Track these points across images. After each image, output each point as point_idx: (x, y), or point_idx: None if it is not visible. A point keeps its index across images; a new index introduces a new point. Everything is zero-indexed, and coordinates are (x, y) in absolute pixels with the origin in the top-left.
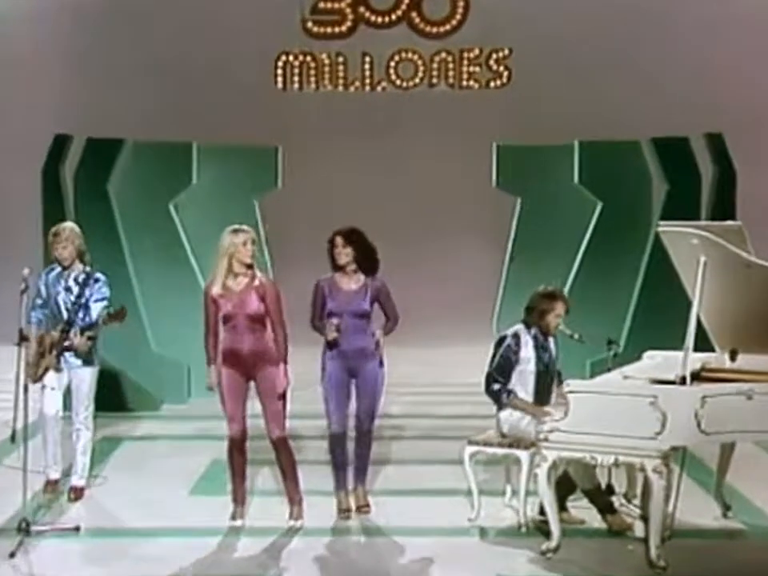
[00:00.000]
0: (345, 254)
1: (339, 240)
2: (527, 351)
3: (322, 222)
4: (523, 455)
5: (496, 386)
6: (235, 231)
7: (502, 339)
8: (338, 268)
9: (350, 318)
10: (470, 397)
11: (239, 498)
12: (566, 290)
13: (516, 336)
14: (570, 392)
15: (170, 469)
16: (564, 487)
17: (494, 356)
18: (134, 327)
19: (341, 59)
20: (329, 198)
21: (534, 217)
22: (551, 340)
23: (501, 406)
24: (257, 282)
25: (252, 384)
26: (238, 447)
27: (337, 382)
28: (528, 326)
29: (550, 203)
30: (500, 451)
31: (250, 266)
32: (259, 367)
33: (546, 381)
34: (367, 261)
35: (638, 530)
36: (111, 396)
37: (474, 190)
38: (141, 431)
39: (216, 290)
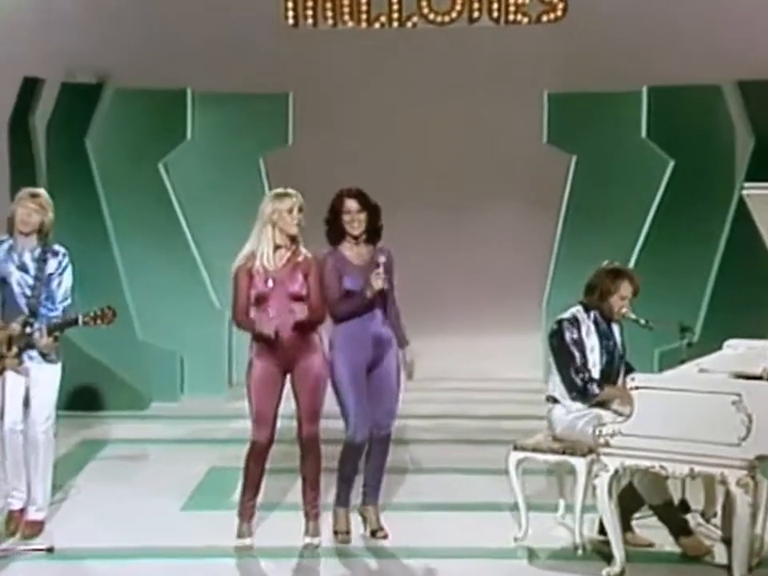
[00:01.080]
0: (359, 222)
1: (353, 205)
2: (589, 339)
3: (340, 185)
4: (579, 463)
5: (579, 381)
6: (279, 196)
7: (559, 327)
8: (342, 238)
9: (377, 305)
10: (514, 394)
11: (247, 513)
12: (630, 265)
13: (574, 321)
14: (636, 388)
15: (160, 479)
16: (629, 502)
17: (558, 350)
18: (118, 315)
19: None
20: (349, 156)
21: (593, 178)
22: (615, 326)
23: (595, 404)
24: (300, 258)
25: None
26: (260, 455)
27: (354, 376)
28: (587, 309)
29: (612, 161)
30: (552, 458)
31: (293, 238)
32: (299, 357)
33: (611, 374)
34: (377, 227)
35: (719, 555)
36: (90, 393)
37: (520, 147)
38: (125, 434)
39: (255, 264)
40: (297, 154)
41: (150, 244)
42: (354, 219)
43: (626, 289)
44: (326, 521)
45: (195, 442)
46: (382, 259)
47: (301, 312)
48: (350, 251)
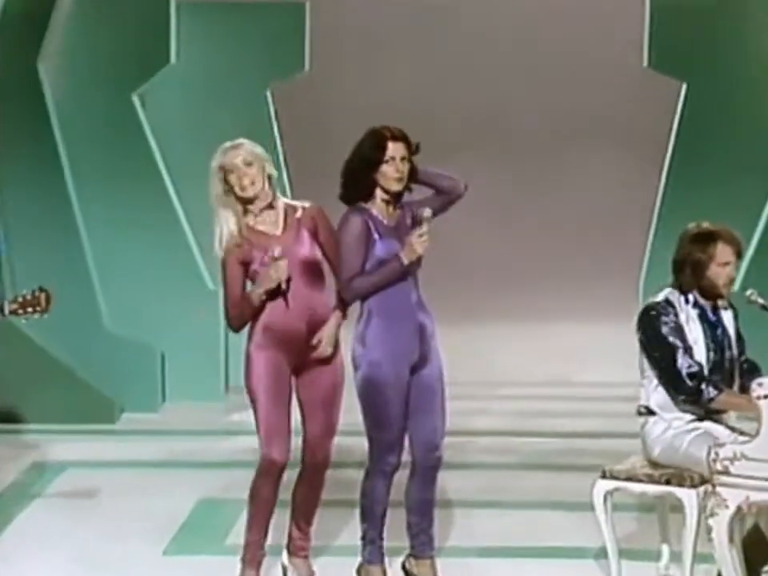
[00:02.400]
0: (402, 172)
1: (400, 150)
2: (689, 329)
3: (370, 125)
4: (688, 496)
5: (689, 381)
6: (225, 150)
7: (649, 313)
8: (371, 196)
9: (411, 280)
10: (601, 404)
11: (254, 559)
12: (759, 227)
13: (668, 305)
14: (765, 396)
15: (135, 514)
16: (756, 550)
17: (653, 344)
18: (79, 294)
19: None
20: (383, 88)
21: (708, 113)
22: (725, 311)
23: (709, 412)
24: (298, 213)
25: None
26: (273, 479)
27: (396, 381)
28: (683, 290)
29: (734, 91)
30: (651, 489)
31: (251, 201)
32: (313, 351)
33: (722, 376)
34: (412, 181)
35: None
36: (42, 400)
37: (611, 73)
38: (88, 455)
39: (236, 241)
40: (315, 84)
41: (122, 202)
42: (399, 170)
43: (723, 253)
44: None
45: (181, 465)
46: (427, 213)
47: (318, 284)
48: (381, 211)
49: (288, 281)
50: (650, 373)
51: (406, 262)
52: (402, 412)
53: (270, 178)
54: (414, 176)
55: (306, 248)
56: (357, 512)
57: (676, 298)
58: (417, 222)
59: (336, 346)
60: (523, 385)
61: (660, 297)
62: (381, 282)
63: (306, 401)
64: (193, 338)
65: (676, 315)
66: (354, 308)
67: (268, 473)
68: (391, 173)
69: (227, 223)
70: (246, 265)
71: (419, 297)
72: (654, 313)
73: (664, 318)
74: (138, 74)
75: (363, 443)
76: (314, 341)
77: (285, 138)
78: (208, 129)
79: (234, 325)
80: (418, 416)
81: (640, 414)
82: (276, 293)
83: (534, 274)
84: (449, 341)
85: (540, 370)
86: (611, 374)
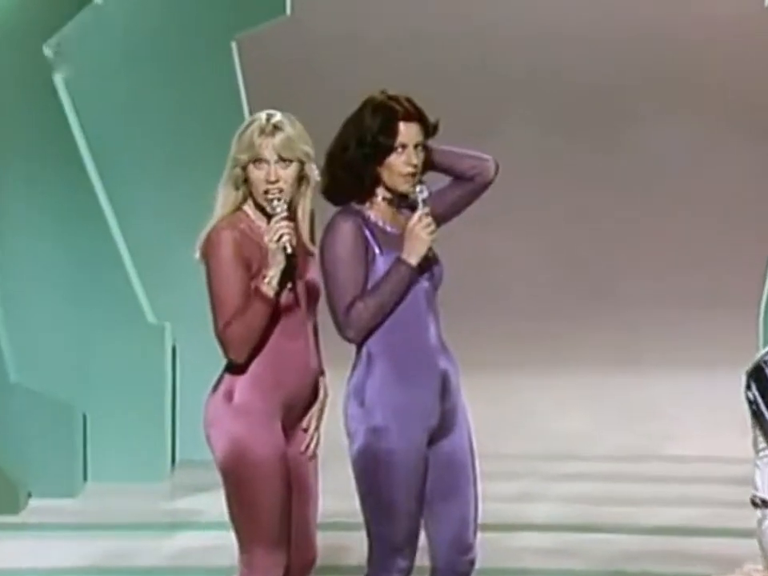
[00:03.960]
0: (416, 166)
1: (416, 131)
2: None
3: (369, 91)
4: None
5: None
6: (253, 131)
7: (763, 372)
8: (371, 194)
9: (424, 296)
10: (702, 487)
11: None
12: None
13: None
14: None
15: None
16: None
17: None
18: None
19: None
20: (385, 36)
21: None
22: None
23: None
24: (305, 224)
25: None
26: None
27: (409, 455)
28: None
29: None
30: None
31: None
32: (298, 423)
33: None
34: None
35: None
36: None
37: (724, 18)
38: None
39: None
40: (299, 34)
41: (32, 206)
42: (412, 162)
43: None
44: None
45: (110, 573)
46: (424, 194)
47: (314, 331)
48: (383, 213)
49: (295, 257)
50: (767, 452)
51: (413, 262)
52: (417, 498)
53: (305, 183)
54: (428, 164)
55: (314, 271)
56: None
57: None
58: (412, 202)
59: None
60: (589, 459)
61: None
62: (388, 300)
63: (299, 487)
64: (127, 393)
65: None
66: (343, 350)
67: None
68: (401, 166)
69: (226, 202)
70: (246, 263)
71: (439, 334)
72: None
73: None
74: (50, 18)
75: (362, 541)
76: (304, 424)
77: (252, 101)
78: (154, 99)
79: (237, 350)
80: (440, 503)
81: (755, 505)
82: (283, 355)
83: (600, 304)
84: (481, 396)
85: (612, 438)
86: (716, 445)
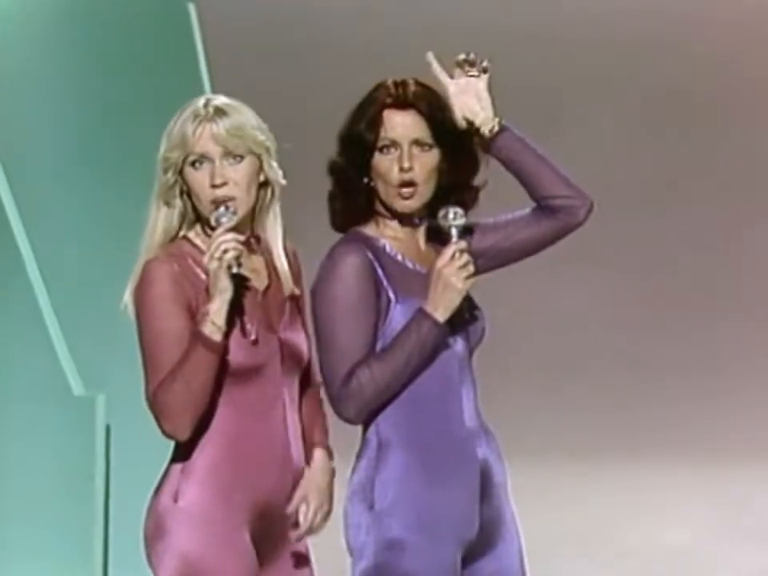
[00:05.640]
0: (412, 172)
1: (412, 121)
2: None
3: (376, 76)
4: None
5: None
6: (184, 121)
7: None
8: (370, 212)
9: (456, 361)
10: None
11: None
12: None
13: None
14: None
15: None
16: None
17: None
18: None
19: None
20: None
21: None
22: None
23: None
24: (281, 257)
25: None
26: None
27: (444, 573)
28: None
29: None
30: None
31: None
32: (285, 533)
33: None
34: (464, 185)
35: None
36: None
37: None
38: None
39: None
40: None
41: None
42: (404, 161)
43: None
44: None
45: None
46: (457, 221)
47: (298, 400)
48: (403, 243)
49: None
50: None
51: (441, 317)
52: None
53: (269, 186)
54: (457, 178)
55: (303, 334)
56: None
57: None
58: (444, 232)
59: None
60: None
61: None
62: (403, 368)
63: None
64: (46, 486)
65: None
66: (347, 436)
67: None
68: (389, 172)
69: (155, 226)
70: (188, 305)
71: (478, 412)
72: None
73: None
74: None
75: None
76: (290, 509)
77: (215, 74)
78: (85, 90)
79: (174, 418)
80: None
81: None
82: (244, 373)
83: (698, 374)
84: (535, 498)
85: (745, 559)
86: None
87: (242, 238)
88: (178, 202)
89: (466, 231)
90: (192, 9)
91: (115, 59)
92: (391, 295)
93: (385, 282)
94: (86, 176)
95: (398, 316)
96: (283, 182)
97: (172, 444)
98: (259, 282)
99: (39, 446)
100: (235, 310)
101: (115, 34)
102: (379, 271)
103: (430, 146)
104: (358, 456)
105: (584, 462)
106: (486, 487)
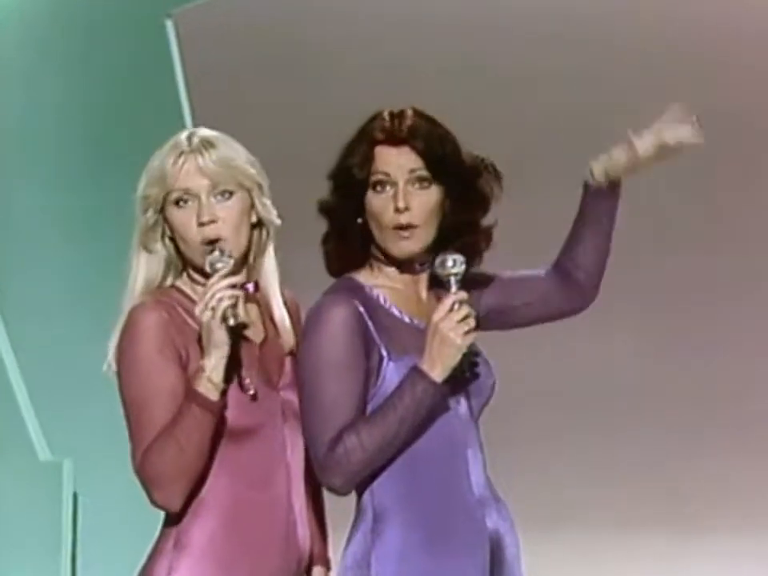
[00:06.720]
0: (407, 205)
1: (405, 158)
2: None
3: (372, 105)
4: None
5: None
6: (175, 146)
7: None
8: (365, 257)
9: (459, 423)
10: None
11: None
12: None
13: None
14: None
15: None
16: None
17: None
18: None
19: None
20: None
21: None
22: None
23: None
24: (278, 308)
25: None
26: None
27: None
28: None
29: None
30: None
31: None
32: None
33: None
34: (471, 227)
35: None
36: None
37: None
38: None
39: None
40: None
41: None
42: (399, 201)
43: None
44: None
45: None
46: (456, 269)
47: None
48: (395, 291)
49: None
50: None
51: (437, 376)
52: None
53: (262, 228)
54: (462, 218)
55: (292, 383)
56: None
57: None
58: (443, 281)
59: None
60: None
61: None
62: (395, 433)
63: None
64: (7, 564)
65: None
66: (342, 508)
67: None
68: (382, 211)
69: (137, 274)
70: (179, 357)
71: (486, 477)
72: None
73: None
74: None
75: None
76: None
77: (193, 91)
78: (59, 112)
79: (165, 488)
80: None
81: None
82: (243, 433)
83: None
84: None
85: None
86: None
87: (237, 281)
88: (160, 247)
89: (469, 281)
90: (169, 25)
91: (92, 80)
92: (383, 352)
93: (376, 338)
94: (53, 238)
95: (391, 375)
96: (278, 221)
97: (143, 511)
98: (255, 333)
99: (3, 512)
100: (230, 363)
101: (92, 52)
102: (370, 325)
103: (429, 183)
104: (353, 527)
105: (607, 528)
106: (497, 560)
